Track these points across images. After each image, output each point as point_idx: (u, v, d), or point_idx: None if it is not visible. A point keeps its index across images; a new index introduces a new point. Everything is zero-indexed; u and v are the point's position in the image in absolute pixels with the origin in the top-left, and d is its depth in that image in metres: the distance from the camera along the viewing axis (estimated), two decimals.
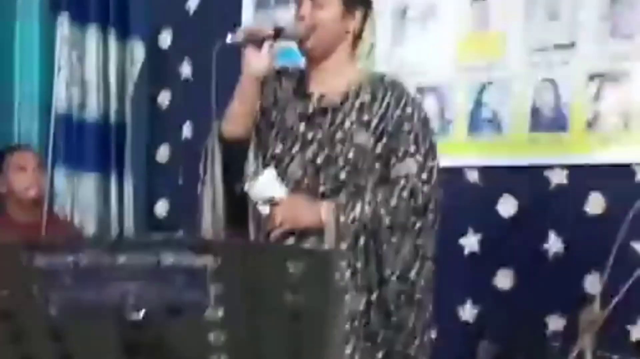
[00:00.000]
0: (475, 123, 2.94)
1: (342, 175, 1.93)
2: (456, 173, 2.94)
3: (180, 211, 3.40)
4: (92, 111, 3.49)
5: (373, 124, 1.95)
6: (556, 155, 2.78)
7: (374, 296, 1.90)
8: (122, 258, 1.06)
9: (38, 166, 3.03)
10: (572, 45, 2.76)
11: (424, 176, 1.93)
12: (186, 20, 3.59)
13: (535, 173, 2.80)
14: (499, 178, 2.88)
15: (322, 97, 1.99)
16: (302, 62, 2.10)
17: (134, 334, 1.14)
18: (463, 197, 2.93)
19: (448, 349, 2.86)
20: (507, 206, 2.85)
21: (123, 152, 3.61)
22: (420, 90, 3.03)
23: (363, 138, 1.94)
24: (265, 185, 1.94)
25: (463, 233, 2.92)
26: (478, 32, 2.96)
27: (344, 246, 1.89)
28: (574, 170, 2.74)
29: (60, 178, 3.34)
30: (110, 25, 3.57)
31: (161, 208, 3.65)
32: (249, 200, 1.97)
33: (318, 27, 1.95)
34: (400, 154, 1.93)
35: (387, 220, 1.89)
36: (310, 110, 1.98)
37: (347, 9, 1.99)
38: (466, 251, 2.92)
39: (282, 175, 1.97)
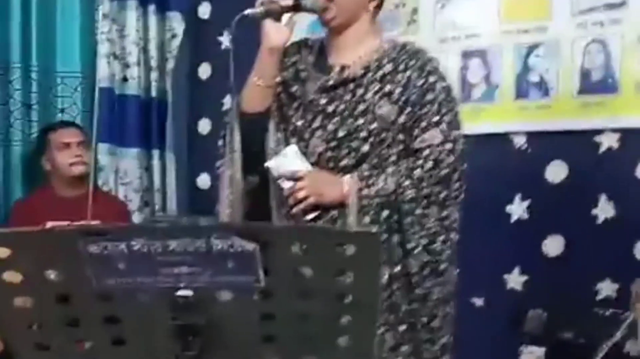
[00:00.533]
0: (522, 87, 2.88)
1: (365, 148, 1.90)
2: (503, 138, 2.90)
3: None
4: (134, 85, 3.50)
5: (395, 94, 1.90)
6: (606, 118, 2.71)
7: (397, 269, 1.87)
8: (173, 244, 1.06)
9: (82, 142, 3.04)
10: (622, 4, 2.68)
11: (448, 146, 1.89)
12: None
13: (585, 137, 2.74)
14: (548, 143, 2.83)
15: (343, 68, 1.96)
16: (323, 33, 2.05)
17: (186, 316, 1.15)
18: (510, 163, 2.90)
19: (496, 317, 2.85)
20: (555, 172, 2.81)
21: (164, 126, 3.63)
22: (466, 54, 2.99)
23: (386, 109, 1.90)
24: (288, 160, 1.92)
25: (510, 200, 2.88)
26: None
27: (366, 219, 1.87)
28: (625, 134, 2.68)
29: (103, 153, 3.36)
30: (149, 0, 3.56)
31: (204, 180, 3.67)
32: (271, 177, 1.95)
33: None
34: (423, 124, 1.89)
35: (411, 192, 1.87)
36: (331, 82, 1.95)
37: None
38: (514, 218, 2.89)
39: (304, 149, 1.94)
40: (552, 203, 2.81)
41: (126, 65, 3.49)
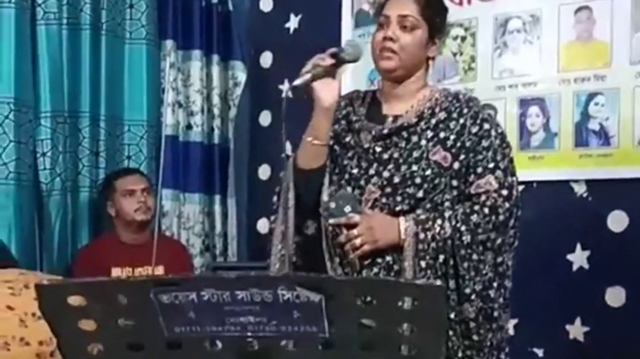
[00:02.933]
0: (582, 136, 2.87)
1: (420, 194, 1.92)
2: (563, 186, 2.88)
3: None
4: (197, 133, 3.60)
5: (450, 141, 1.93)
6: None
7: (452, 315, 1.86)
8: (241, 294, 1.09)
9: (146, 189, 3.11)
10: None
11: (504, 192, 1.90)
12: (286, 40, 3.66)
13: None
14: (608, 191, 2.80)
15: (397, 117, 2.00)
16: (376, 84, 2.09)
17: None
18: (570, 212, 2.87)
19: None
20: (617, 221, 2.77)
21: (226, 172, 3.70)
22: (523, 101, 3.00)
23: (440, 155, 1.93)
24: (341, 206, 1.94)
25: (572, 249, 2.85)
26: (582, 42, 2.90)
27: (422, 264, 1.87)
28: None
29: (167, 198, 3.43)
30: (213, 50, 3.68)
31: (263, 225, 3.72)
32: (323, 226, 1.96)
33: (403, 50, 1.95)
34: (479, 170, 1.91)
35: (467, 238, 1.87)
36: (386, 131, 1.98)
37: (431, 36, 1.99)
38: (574, 267, 2.85)
39: (359, 196, 1.96)
40: (614, 252, 2.77)
41: (190, 113, 3.59)
